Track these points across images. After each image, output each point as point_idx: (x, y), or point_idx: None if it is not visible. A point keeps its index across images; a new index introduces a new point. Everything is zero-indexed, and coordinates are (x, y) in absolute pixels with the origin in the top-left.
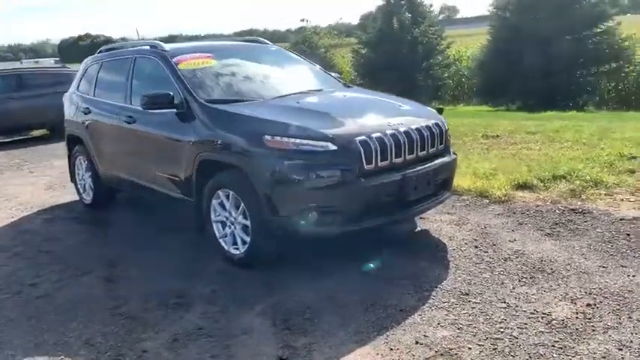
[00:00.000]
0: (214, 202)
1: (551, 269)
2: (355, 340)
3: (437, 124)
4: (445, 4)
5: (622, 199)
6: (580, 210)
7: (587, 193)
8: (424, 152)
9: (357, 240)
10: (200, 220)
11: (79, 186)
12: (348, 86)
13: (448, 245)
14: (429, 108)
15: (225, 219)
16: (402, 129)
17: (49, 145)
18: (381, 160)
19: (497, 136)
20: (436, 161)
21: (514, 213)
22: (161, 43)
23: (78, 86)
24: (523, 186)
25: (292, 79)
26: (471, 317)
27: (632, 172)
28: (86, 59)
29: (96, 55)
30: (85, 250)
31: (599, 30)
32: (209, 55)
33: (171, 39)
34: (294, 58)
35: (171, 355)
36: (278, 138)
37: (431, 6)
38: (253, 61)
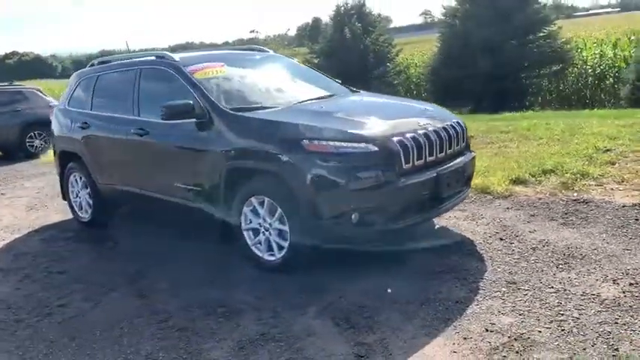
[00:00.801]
0: (246, 209)
1: (581, 255)
2: (425, 333)
3: (458, 123)
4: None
5: (612, 189)
6: (582, 200)
7: (578, 184)
8: (451, 150)
9: (382, 239)
10: (226, 229)
11: (73, 204)
12: (356, 91)
13: (473, 239)
14: (444, 108)
15: (258, 226)
16: (431, 128)
17: (10, 165)
18: (417, 159)
19: (472, 136)
20: (462, 158)
21: (522, 206)
22: (169, 53)
23: (69, 101)
24: (517, 181)
25: (303, 85)
26: (527, 303)
27: (612, 163)
28: (76, 73)
29: (88, 68)
30: (100, 267)
31: (541, 34)
32: (221, 63)
33: (105, 54)
34: (297, 65)
35: None
36: (317, 142)
37: (379, 15)
38: (262, 69)
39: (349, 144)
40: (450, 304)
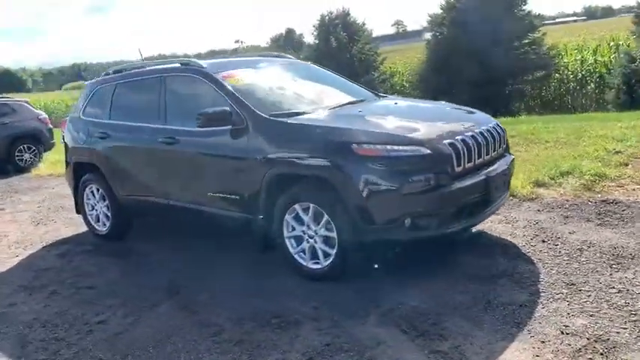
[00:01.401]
0: (288, 217)
1: (631, 255)
2: (499, 338)
3: (498, 125)
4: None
5: (633, 189)
6: (610, 201)
7: (599, 186)
8: (495, 153)
9: (423, 245)
10: (266, 238)
11: (89, 217)
12: (383, 95)
13: (515, 242)
14: (481, 112)
15: (302, 233)
16: (477, 130)
17: (1, 180)
18: (467, 162)
19: None
20: (504, 160)
21: (552, 208)
22: (195, 60)
23: (83, 111)
24: (538, 184)
25: (332, 89)
26: (594, 305)
27: (626, 164)
28: (90, 82)
29: (103, 77)
30: (131, 281)
31: (526, 41)
32: (251, 69)
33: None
34: (322, 70)
35: None
36: (367, 146)
37: (364, 24)
38: (290, 74)
39: (401, 147)
40: (515, 308)
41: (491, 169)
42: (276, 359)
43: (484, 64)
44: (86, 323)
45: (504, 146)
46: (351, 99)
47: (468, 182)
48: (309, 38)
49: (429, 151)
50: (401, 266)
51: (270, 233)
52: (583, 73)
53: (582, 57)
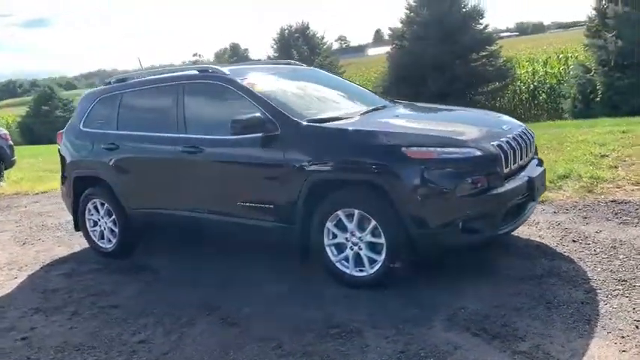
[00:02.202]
0: (329, 224)
1: None
2: (577, 336)
3: (527, 129)
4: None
5: (632, 190)
6: (620, 201)
7: (599, 188)
8: (530, 154)
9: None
10: (304, 246)
11: (91, 234)
12: (398, 102)
13: (546, 243)
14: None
15: (345, 240)
16: (514, 132)
17: None
18: (513, 163)
19: None
20: (536, 162)
21: (567, 210)
22: (215, 66)
23: (83, 122)
24: None
25: (354, 96)
26: None
27: (615, 167)
28: (90, 92)
29: (105, 87)
30: (158, 298)
31: (484, 54)
32: (273, 76)
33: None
34: (333, 76)
35: None
36: (418, 148)
37: (323, 38)
38: (309, 81)
39: (453, 149)
40: (578, 306)
41: (530, 170)
42: None
43: (446, 75)
44: (125, 344)
45: (534, 149)
46: (375, 104)
47: (515, 184)
48: (269, 51)
49: (480, 153)
50: (440, 270)
51: (308, 242)
52: (535, 84)
53: (533, 69)
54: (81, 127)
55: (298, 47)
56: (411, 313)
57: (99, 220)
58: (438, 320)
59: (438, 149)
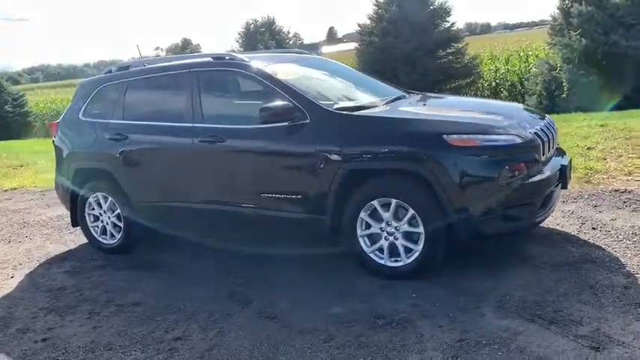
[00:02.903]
0: (363, 214)
1: None
2: (633, 319)
3: (550, 119)
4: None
5: (627, 180)
6: (623, 190)
7: (595, 178)
8: (556, 144)
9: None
10: (334, 238)
11: (91, 229)
12: (411, 92)
13: (568, 231)
14: None
15: (379, 231)
16: (544, 122)
17: None
18: (547, 151)
19: None
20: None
21: (575, 199)
22: (234, 54)
23: (83, 112)
24: None
25: (371, 85)
26: None
27: (604, 159)
28: (88, 81)
29: (107, 75)
30: (182, 294)
31: (450, 50)
32: (292, 64)
33: None
34: (347, 67)
35: None
36: (459, 136)
37: (289, 33)
38: (325, 70)
39: (495, 136)
40: (622, 290)
41: (559, 159)
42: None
43: (417, 71)
44: (160, 341)
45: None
46: (394, 94)
47: (551, 171)
48: (234, 45)
49: (521, 140)
50: (474, 259)
51: (338, 233)
52: (497, 81)
53: (495, 67)
54: (80, 117)
55: (265, 42)
56: (458, 301)
57: (101, 214)
58: (488, 308)
59: (480, 137)
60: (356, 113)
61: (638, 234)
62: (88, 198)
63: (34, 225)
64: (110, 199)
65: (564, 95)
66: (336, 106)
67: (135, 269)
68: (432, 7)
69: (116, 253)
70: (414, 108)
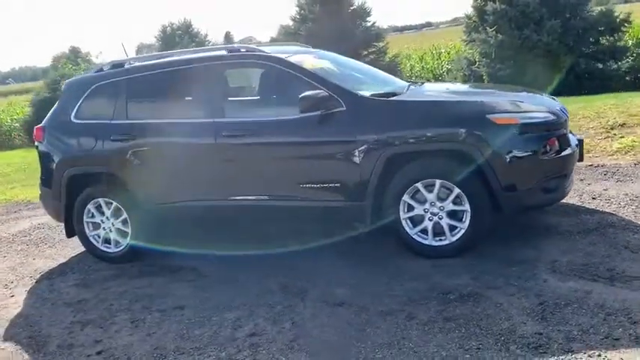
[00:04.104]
0: (406, 197)
1: None
2: None
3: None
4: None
5: (591, 157)
6: (597, 165)
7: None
8: None
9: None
10: (374, 223)
11: (91, 238)
12: (414, 81)
13: (571, 202)
14: None
15: (423, 212)
16: (557, 102)
17: None
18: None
19: None
20: None
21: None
22: (254, 46)
23: (75, 114)
24: None
25: (380, 75)
26: None
27: None
28: (76, 81)
29: (99, 73)
30: (228, 293)
31: (372, 49)
32: (309, 55)
33: None
34: (352, 59)
35: None
36: (500, 115)
37: (206, 36)
38: (337, 62)
39: (531, 114)
40: None
41: (572, 135)
42: (508, 326)
43: None
44: (234, 339)
45: None
46: (404, 82)
47: (574, 146)
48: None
49: (553, 117)
50: (500, 233)
51: (379, 217)
52: (413, 78)
53: (411, 64)
54: (73, 120)
55: (185, 44)
56: (512, 271)
57: (102, 222)
58: (544, 273)
59: (519, 114)
60: (394, 99)
61: (637, 199)
62: (86, 205)
63: (2, 241)
64: (114, 203)
65: None
66: (369, 93)
67: (154, 275)
68: (352, 8)
69: (122, 261)
70: (442, 92)
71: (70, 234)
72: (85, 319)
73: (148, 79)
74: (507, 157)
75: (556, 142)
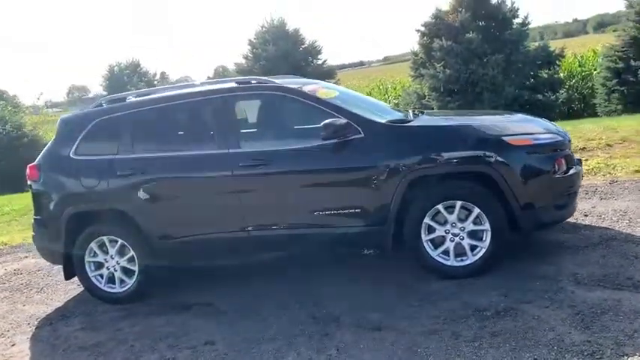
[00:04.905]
0: (427, 219)
1: None
2: None
3: None
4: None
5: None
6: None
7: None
8: None
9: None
10: (395, 246)
11: (93, 279)
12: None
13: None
14: None
15: (444, 233)
16: (555, 124)
17: None
18: None
19: None
20: None
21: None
22: (260, 78)
23: (75, 150)
24: None
25: (379, 105)
26: None
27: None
28: (75, 117)
29: (101, 108)
30: (253, 325)
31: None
32: (316, 85)
33: None
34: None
35: None
36: (515, 137)
37: (155, 75)
38: (339, 91)
39: (542, 135)
40: None
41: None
42: (554, 336)
43: None
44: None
45: None
46: (403, 112)
47: (577, 166)
48: (97, 89)
49: (560, 137)
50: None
51: (398, 241)
52: None
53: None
54: (72, 156)
55: (134, 84)
56: (537, 285)
57: (106, 260)
58: (570, 286)
59: (532, 136)
60: (412, 124)
61: (626, 214)
62: (89, 244)
63: None
64: (120, 241)
65: None
66: (384, 120)
67: (168, 313)
68: (303, 46)
69: (127, 301)
70: (451, 118)
71: (68, 276)
72: None
73: (156, 112)
74: (524, 176)
75: (563, 162)
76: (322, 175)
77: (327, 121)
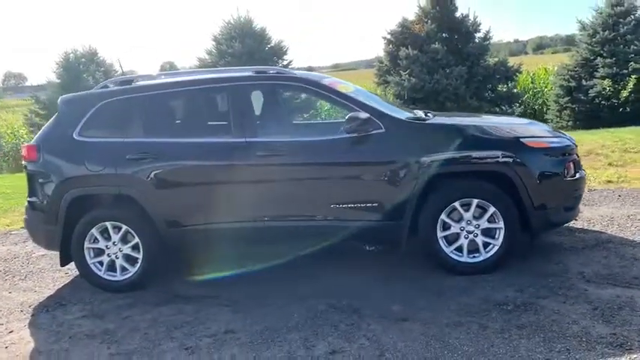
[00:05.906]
0: (443, 216)
1: None
2: None
3: None
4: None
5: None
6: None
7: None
8: None
9: None
10: (410, 241)
11: (92, 266)
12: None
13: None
14: None
15: (459, 230)
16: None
17: None
18: None
19: None
20: None
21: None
22: (282, 68)
23: (79, 131)
24: None
25: (391, 103)
26: None
27: None
28: (79, 96)
29: (107, 90)
30: (274, 315)
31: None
32: (331, 80)
33: None
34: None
35: None
36: (532, 139)
37: (112, 65)
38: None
39: (555, 139)
40: None
41: None
42: (579, 329)
43: None
44: (318, 357)
45: None
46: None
47: (582, 171)
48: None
49: (569, 142)
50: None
51: (413, 236)
52: (325, 117)
53: (321, 103)
54: (75, 137)
55: (91, 72)
56: (549, 282)
57: (107, 247)
58: (580, 283)
59: (547, 139)
60: (431, 122)
61: (614, 219)
62: (90, 230)
63: None
64: (125, 227)
65: None
66: (404, 117)
67: (177, 303)
68: (270, 46)
69: (127, 289)
70: (465, 119)
71: (65, 262)
72: (125, 349)
73: (170, 96)
74: (539, 178)
75: (572, 166)
76: (341, 168)
77: (351, 114)
